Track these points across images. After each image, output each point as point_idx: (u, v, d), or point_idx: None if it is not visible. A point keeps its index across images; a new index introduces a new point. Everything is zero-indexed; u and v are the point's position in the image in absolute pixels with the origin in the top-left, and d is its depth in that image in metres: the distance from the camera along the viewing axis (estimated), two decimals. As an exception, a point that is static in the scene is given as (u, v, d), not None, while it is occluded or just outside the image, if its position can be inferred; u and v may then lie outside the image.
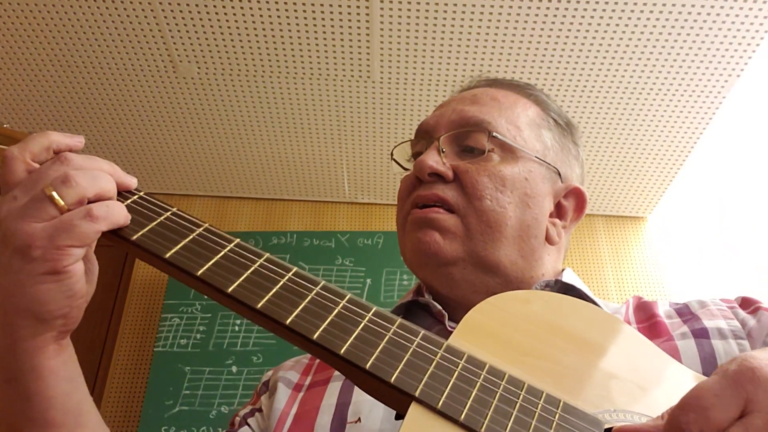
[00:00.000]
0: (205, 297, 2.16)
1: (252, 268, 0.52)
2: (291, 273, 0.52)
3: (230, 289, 0.50)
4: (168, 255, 0.51)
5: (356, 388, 0.65)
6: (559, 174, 0.75)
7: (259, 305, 0.49)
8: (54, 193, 0.49)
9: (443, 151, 0.72)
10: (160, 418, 2.00)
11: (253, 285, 0.51)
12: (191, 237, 0.53)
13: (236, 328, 2.19)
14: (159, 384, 2.07)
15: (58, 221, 0.49)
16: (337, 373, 0.70)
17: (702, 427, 0.37)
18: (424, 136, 0.77)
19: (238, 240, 0.54)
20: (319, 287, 0.52)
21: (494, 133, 0.72)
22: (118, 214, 0.51)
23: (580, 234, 2.53)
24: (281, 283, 0.51)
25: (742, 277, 2.46)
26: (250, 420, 0.71)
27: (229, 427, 0.73)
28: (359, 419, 0.62)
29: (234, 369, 2.10)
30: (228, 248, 0.53)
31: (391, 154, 0.85)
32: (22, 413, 0.52)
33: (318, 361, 0.75)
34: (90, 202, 0.51)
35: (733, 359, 0.40)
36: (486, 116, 0.73)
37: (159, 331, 2.18)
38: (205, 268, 0.51)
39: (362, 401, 0.64)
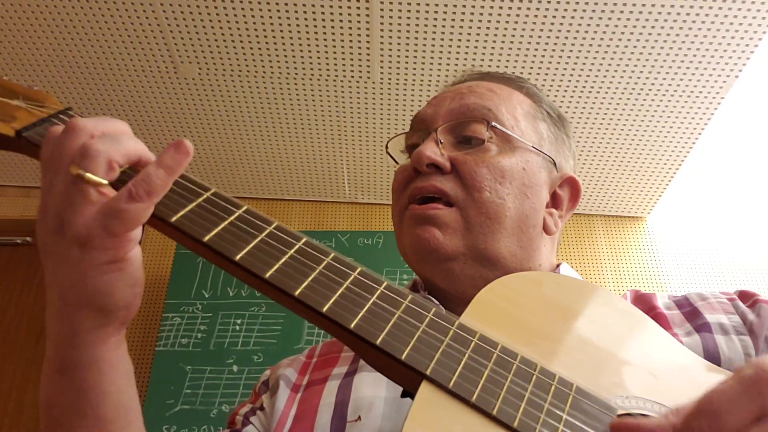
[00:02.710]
0: (207, 297, 2.14)
1: (260, 237, 0.49)
2: (301, 242, 0.50)
3: (238, 258, 0.48)
4: (174, 219, 0.49)
5: (354, 386, 0.65)
6: (555, 164, 0.75)
7: (268, 275, 0.47)
8: (80, 171, 0.46)
9: (441, 142, 0.72)
10: (162, 417, 2.00)
11: (262, 253, 0.48)
12: (198, 202, 0.51)
13: (237, 327, 2.19)
14: (160, 383, 2.07)
15: (105, 208, 0.46)
16: (334, 371, 0.69)
17: None
18: (421, 127, 0.76)
19: (246, 206, 0.52)
20: (329, 258, 0.50)
21: (493, 123, 0.71)
22: (157, 185, 0.48)
23: (580, 234, 2.53)
24: (290, 252, 0.49)
25: (742, 277, 2.47)
26: (252, 418, 0.69)
27: (228, 426, 0.72)
28: (359, 417, 0.61)
29: (235, 368, 2.10)
30: (236, 215, 0.51)
31: (386, 147, 0.84)
32: (73, 407, 0.50)
33: (315, 360, 0.73)
34: (120, 166, 0.48)
35: (750, 363, 0.38)
36: (486, 103, 0.73)
37: (160, 330, 2.18)
38: (213, 233, 0.48)
39: (361, 398, 0.63)
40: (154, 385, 2.06)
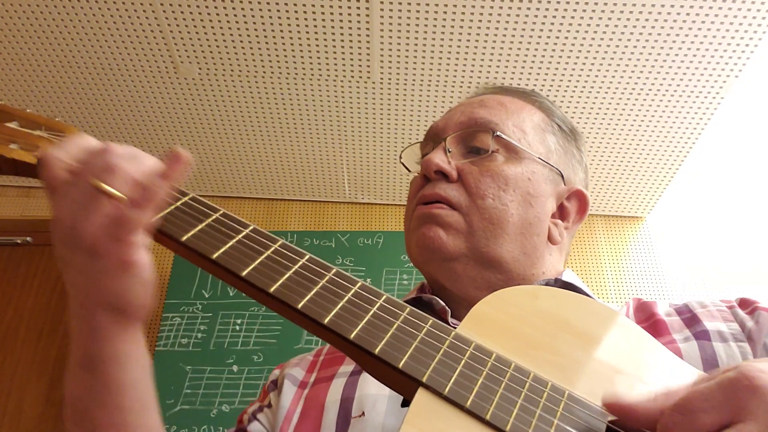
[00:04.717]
0: (206, 297, 2.15)
1: (266, 253, 0.53)
2: (305, 259, 0.53)
3: (244, 273, 0.51)
4: (185, 238, 0.52)
5: (360, 384, 0.66)
6: (562, 176, 0.77)
7: (272, 289, 0.50)
8: (102, 185, 0.50)
9: (449, 151, 0.75)
10: (162, 417, 2.00)
11: (267, 269, 0.52)
12: (207, 222, 0.55)
13: (237, 327, 2.19)
14: (160, 383, 2.03)
15: (111, 217, 0.49)
16: (341, 369, 0.71)
17: (688, 429, 0.38)
18: (433, 138, 0.79)
19: (254, 226, 0.55)
20: (331, 273, 0.53)
21: (498, 133, 0.74)
22: (157, 192, 0.51)
23: (580, 234, 2.53)
24: (294, 268, 0.52)
25: (741, 277, 2.47)
26: (259, 416, 0.72)
27: (237, 425, 0.74)
28: (363, 413, 0.63)
29: (235, 368, 2.11)
30: (244, 233, 0.54)
31: (400, 157, 0.88)
32: (97, 399, 0.53)
33: (323, 358, 0.76)
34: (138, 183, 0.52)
35: (734, 367, 0.40)
36: (493, 117, 0.76)
37: (160, 330, 2.18)
38: (221, 251, 0.52)
39: (365, 396, 0.64)
40: (154, 385, 2.05)
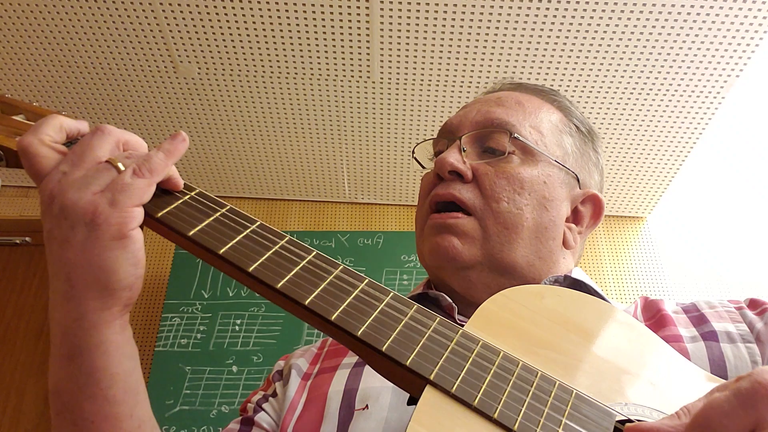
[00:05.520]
0: (206, 297, 2.14)
1: (273, 249, 0.53)
2: (312, 255, 0.53)
3: (251, 269, 0.51)
4: (191, 233, 0.53)
5: (364, 376, 0.66)
6: (578, 180, 0.76)
7: (279, 285, 0.50)
8: (119, 164, 0.52)
9: (464, 150, 0.73)
10: (161, 418, 2.00)
11: (274, 265, 0.52)
12: (214, 217, 0.55)
13: (236, 327, 2.19)
14: (160, 383, 2.06)
15: (113, 184, 0.51)
16: (345, 360, 0.71)
17: None
18: (447, 135, 0.78)
19: (260, 221, 0.55)
20: (338, 270, 0.53)
21: (515, 135, 0.72)
22: (158, 164, 0.53)
23: (580, 234, 2.53)
24: (301, 264, 0.52)
25: (742, 276, 2.46)
26: (264, 405, 0.72)
27: (240, 414, 0.74)
28: (366, 406, 0.62)
29: (234, 369, 2.10)
30: (250, 229, 0.54)
31: (413, 152, 0.86)
32: (83, 390, 0.52)
33: (326, 350, 0.75)
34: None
35: (748, 375, 0.39)
36: (510, 118, 0.74)
37: (160, 330, 2.18)
38: (227, 247, 0.52)
39: (370, 388, 0.64)
40: (154, 386, 2.06)
